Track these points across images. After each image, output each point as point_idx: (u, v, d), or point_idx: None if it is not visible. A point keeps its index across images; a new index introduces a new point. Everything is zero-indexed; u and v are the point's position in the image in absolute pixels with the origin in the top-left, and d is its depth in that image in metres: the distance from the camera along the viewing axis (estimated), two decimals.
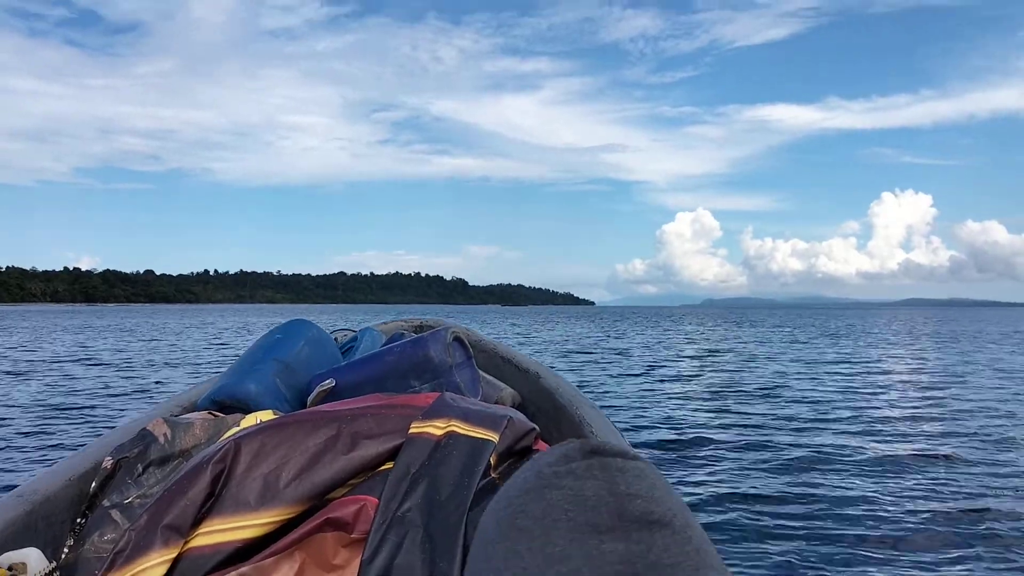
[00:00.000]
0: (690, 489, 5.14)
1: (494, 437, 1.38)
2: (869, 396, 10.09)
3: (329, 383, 2.00)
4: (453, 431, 1.37)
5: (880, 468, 5.80)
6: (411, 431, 1.38)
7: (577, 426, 1.90)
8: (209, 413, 1.89)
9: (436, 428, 1.38)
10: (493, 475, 1.36)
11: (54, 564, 1.38)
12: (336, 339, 2.83)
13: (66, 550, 1.44)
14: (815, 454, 6.25)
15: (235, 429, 1.60)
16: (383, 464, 1.34)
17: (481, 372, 2.31)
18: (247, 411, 1.89)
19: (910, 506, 4.71)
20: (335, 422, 1.38)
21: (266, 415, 1.72)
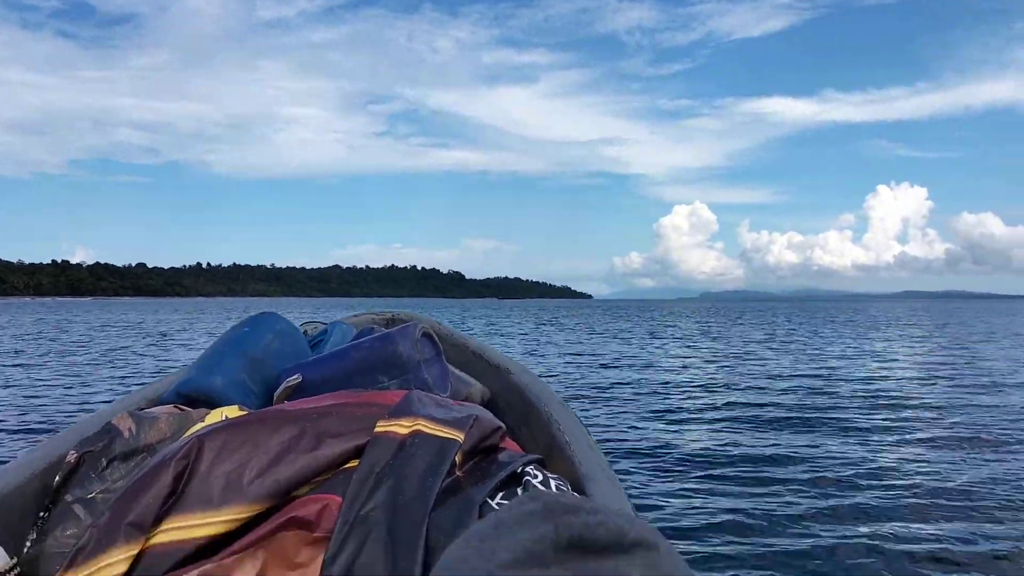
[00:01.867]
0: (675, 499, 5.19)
1: (459, 436, 1.39)
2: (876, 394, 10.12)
3: (296, 378, 1.99)
4: (419, 430, 1.39)
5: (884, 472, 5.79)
6: (376, 430, 1.39)
7: (545, 424, 1.92)
8: (175, 407, 1.88)
9: (401, 427, 1.39)
10: (458, 473, 1.37)
11: (15, 560, 1.38)
12: (305, 332, 2.82)
13: (28, 545, 1.43)
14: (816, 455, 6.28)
15: (200, 425, 1.59)
16: (348, 463, 1.35)
17: (451, 367, 2.31)
18: (213, 405, 1.89)
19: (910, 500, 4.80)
20: (300, 420, 1.38)
21: (232, 411, 1.72)
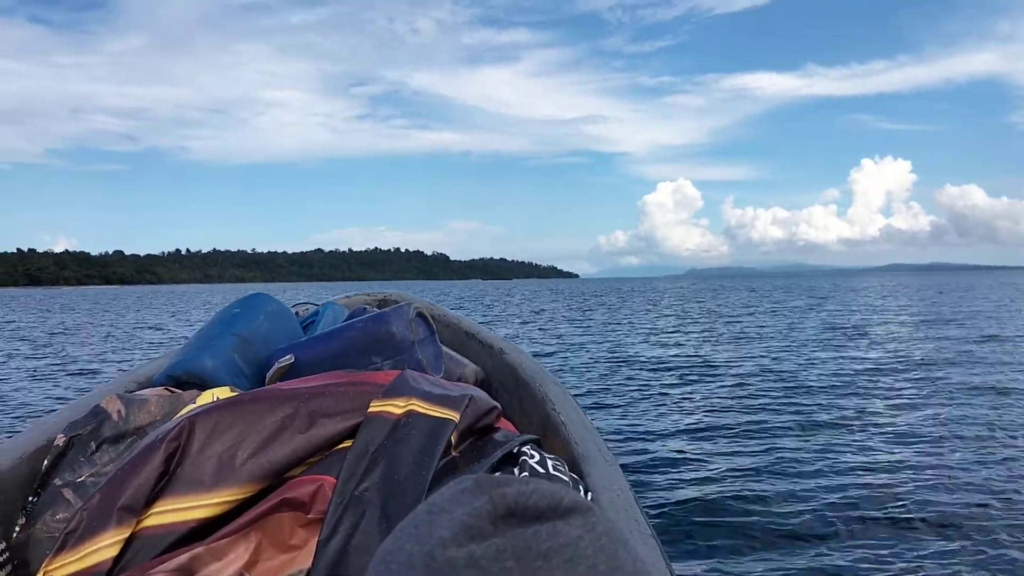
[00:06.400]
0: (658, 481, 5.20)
1: (455, 416, 1.37)
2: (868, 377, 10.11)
3: (288, 359, 1.97)
4: (413, 410, 1.37)
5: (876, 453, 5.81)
6: (370, 410, 1.37)
7: (540, 403, 1.90)
8: (165, 389, 1.86)
9: (396, 407, 1.37)
10: (454, 453, 1.36)
11: (4, 544, 1.35)
12: (297, 313, 2.79)
13: (16, 529, 1.41)
14: (806, 432, 6.30)
15: (191, 406, 1.57)
16: (341, 443, 1.33)
17: (444, 348, 2.30)
18: (204, 387, 1.86)
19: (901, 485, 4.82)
20: (293, 400, 1.36)
21: (223, 392, 1.70)
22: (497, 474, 1.20)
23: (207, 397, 1.64)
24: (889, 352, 12.06)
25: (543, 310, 27.24)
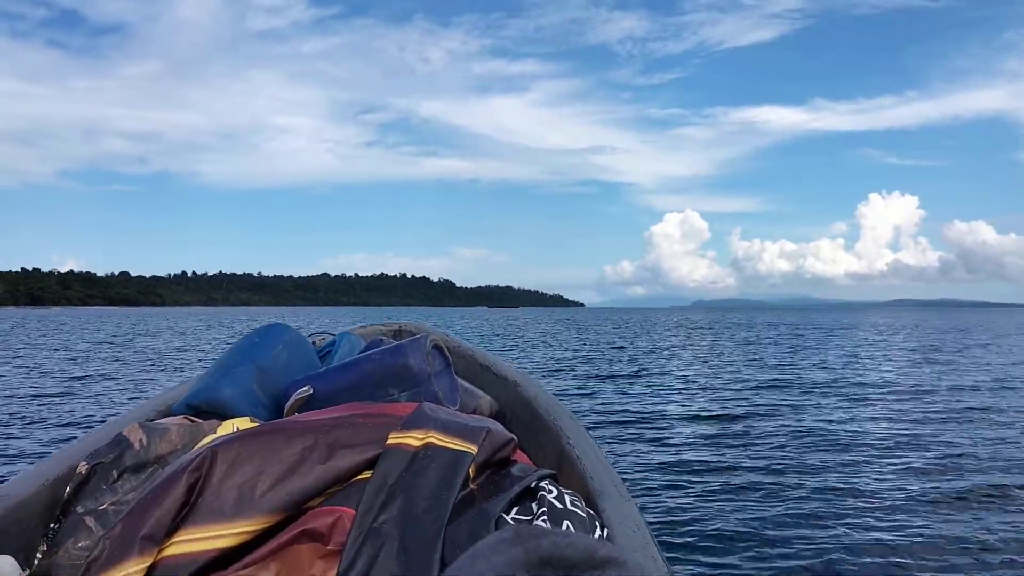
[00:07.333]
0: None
1: (472, 449, 1.39)
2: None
3: (306, 391, 1.99)
4: (431, 442, 1.38)
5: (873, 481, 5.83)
6: (389, 442, 1.38)
7: (555, 437, 1.91)
8: (185, 418, 1.88)
9: (414, 439, 1.38)
10: (472, 486, 1.37)
11: (27, 572, 1.37)
12: (314, 343, 2.81)
13: (39, 557, 1.43)
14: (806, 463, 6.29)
15: (211, 436, 1.59)
16: (360, 474, 1.34)
17: (459, 380, 2.31)
18: (223, 416, 1.88)
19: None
20: (312, 431, 1.38)
21: (243, 422, 1.72)
22: (538, 523, 1.21)
23: (227, 427, 1.66)
24: (906, 395, 11.96)
25: (553, 344, 27.15)
